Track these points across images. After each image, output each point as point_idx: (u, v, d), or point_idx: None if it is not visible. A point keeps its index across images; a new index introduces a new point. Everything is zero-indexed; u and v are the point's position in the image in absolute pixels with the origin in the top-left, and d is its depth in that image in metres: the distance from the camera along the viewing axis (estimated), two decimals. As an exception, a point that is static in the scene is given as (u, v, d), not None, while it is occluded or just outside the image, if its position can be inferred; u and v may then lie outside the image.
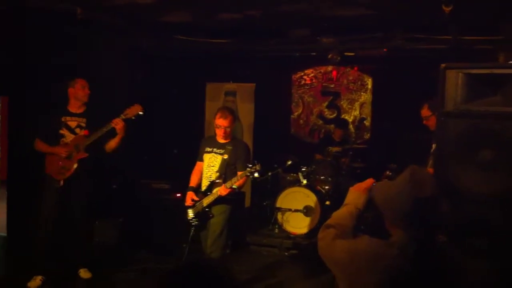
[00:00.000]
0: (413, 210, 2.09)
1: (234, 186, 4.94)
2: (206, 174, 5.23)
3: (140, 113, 5.41)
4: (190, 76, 8.79)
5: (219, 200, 5.05)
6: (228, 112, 5.17)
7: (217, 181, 5.09)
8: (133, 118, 5.41)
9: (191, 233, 5.16)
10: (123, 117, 5.38)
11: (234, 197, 5.20)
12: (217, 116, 5.15)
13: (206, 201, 5.08)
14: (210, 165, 5.22)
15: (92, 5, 6.03)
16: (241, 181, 4.98)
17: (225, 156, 5.12)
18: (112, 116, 5.39)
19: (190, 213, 5.15)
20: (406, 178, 2.17)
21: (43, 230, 5.39)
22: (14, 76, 6.19)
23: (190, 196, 5.19)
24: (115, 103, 6.09)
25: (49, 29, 6.02)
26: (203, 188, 5.20)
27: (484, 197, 2.74)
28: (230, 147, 5.14)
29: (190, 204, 5.16)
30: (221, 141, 5.22)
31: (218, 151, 5.20)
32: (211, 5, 6.13)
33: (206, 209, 5.09)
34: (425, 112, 5.20)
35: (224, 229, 5.12)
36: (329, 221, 2.39)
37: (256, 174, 4.91)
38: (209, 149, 5.27)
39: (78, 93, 5.49)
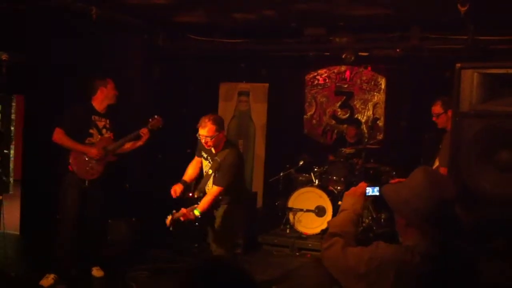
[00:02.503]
0: (436, 212, 2.06)
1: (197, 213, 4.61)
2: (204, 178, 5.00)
3: (160, 126, 5.63)
4: (204, 76, 8.79)
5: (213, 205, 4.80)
6: (207, 120, 4.62)
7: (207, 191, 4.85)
8: (155, 129, 5.61)
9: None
10: (150, 128, 5.54)
11: (232, 196, 4.88)
12: (198, 126, 4.68)
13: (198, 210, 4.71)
14: (205, 170, 4.99)
15: (108, 4, 6.05)
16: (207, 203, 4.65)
17: (210, 172, 4.82)
18: (128, 118, 5.42)
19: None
20: (422, 179, 2.12)
21: (67, 230, 5.36)
22: (29, 75, 6.24)
23: (177, 189, 4.91)
24: (131, 105, 6.12)
25: (64, 27, 6.04)
26: (196, 195, 4.92)
27: (501, 198, 2.71)
28: (218, 159, 4.75)
29: (175, 196, 4.89)
30: (213, 149, 4.82)
31: (210, 159, 4.89)
32: (226, 5, 6.13)
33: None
34: (437, 109, 5.11)
35: (227, 230, 4.95)
36: (332, 230, 2.34)
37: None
38: (204, 155, 4.97)
39: (109, 93, 5.48)
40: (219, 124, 4.69)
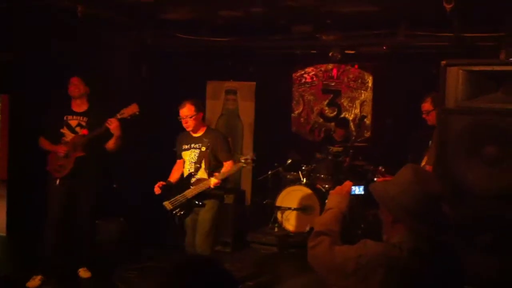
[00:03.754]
0: (422, 208, 2.07)
1: (222, 178, 4.93)
2: (188, 170, 5.16)
3: (136, 113, 5.39)
4: (191, 74, 8.76)
5: (206, 195, 4.99)
6: (185, 100, 5.06)
7: (196, 173, 5.06)
8: (128, 118, 5.39)
9: (176, 223, 5.13)
10: (119, 116, 5.37)
11: (221, 191, 5.14)
12: (178, 108, 5.08)
13: (190, 193, 5.00)
14: (191, 161, 5.16)
15: (95, 2, 6.01)
16: (231, 172, 5.00)
17: (203, 149, 5.05)
18: (112, 114, 5.37)
19: (169, 205, 5.09)
20: (409, 175, 2.14)
21: (49, 229, 5.37)
22: (14, 74, 6.18)
23: (159, 184, 5.10)
24: (117, 101, 6.07)
25: (50, 26, 6.00)
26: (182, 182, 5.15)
27: (488, 193, 2.73)
28: (206, 139, 5.06)
29: (158, 193, 5.08)
30: (195, 134, 5.15)
31: (195, 145, 5.13)
32: (213, 2, 6.11)
33: (194, 200, 5.00)
34: (427, 106, 5.09)
35: (213, 226, 5.08)
36: (318, 228, 2.34)
37: (253, 164, 4.95)
38: (186, 146, 5.21)
39: (71, 90, 5.47)
40: (197, 105, 5.06)
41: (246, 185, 8.81)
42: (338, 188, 2.51)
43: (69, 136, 5.44)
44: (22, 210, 6.46)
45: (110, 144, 5.49)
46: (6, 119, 7.57)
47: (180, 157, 5.29)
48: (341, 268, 2.12)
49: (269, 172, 7.77)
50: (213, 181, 4.91)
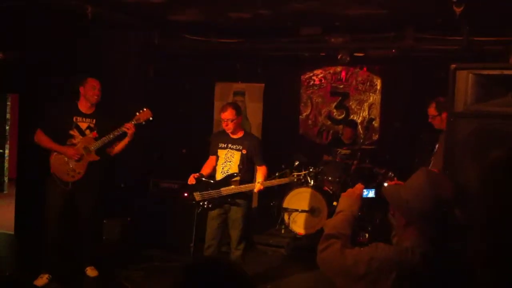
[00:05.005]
0: (435, 211, 2.07)
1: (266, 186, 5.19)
2: (223, 169, 5.37)
3: (150, 118, 5.47)
4: (200, 75, 8.78)
5: (239, 194, 5.26)
6: (227, 105, 5.39)
7: (235, 174, 5.27)
8: (143, 123, 5.46)
9: (198, 212, 5.31)
10: (135, 122, 5.41)
11: (250, 193, 5.47)
12: (220, 111, 5.39)
13: (227, 191, 5.23)
14: (227, 160, 5.37)
15: (104, 3, 6.03)
16: (279, 183, 5.38)
17: (244, 151, 5.31)
18: (119, 117, 5.38)
19: (198, 196, 5.27)
20: (422, 179, 2.14)
21: (51, 230, 5.37)
22: (24, 74, 6.21)
23: (193, 175, 5.31)
24: (125, 103, 6.10)
25: (60, 26, 6.02)
26: (217, 178, 5.36)
27: (496, 198, 2.72)
28: (246, 142, 5.34)
29: (192, 183, 5.30)
30: (234, 136, 5.38)
31: (234, 146, 5.36)
32: (222, 4, 6.12)
33: (228, 199, 5.25)
34: (432, 111, 5.19)
35: (246, 223, 5.42)
36: (329, 231, 2.34)
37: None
38: (223, 145, 5.41)
39: (87, 93, 5.38)
40: (237, 109, 5.34)
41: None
42: (349, 190, 2.50)
43: (77, 138, 5.36)
44: (31, 209, 6.49)
45: (119, 147, 5.51)
46: (16, 118, 7.60)
47: (215, 154, 5.46)
48: (351, 271, 2.11)
49: (277, 174, 7.76)
50: (258, 186, 5.18)
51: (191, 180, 5.32)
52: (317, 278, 5.74)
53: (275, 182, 5.25)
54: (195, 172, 5.37)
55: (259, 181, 5.21)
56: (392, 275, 2.01)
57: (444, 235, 2.08)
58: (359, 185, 2.50)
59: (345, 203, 2.46)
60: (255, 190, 5.20)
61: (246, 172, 5.31)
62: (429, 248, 2.05)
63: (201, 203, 5.28)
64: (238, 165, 5.29)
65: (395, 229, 2.24)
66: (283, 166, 7.75)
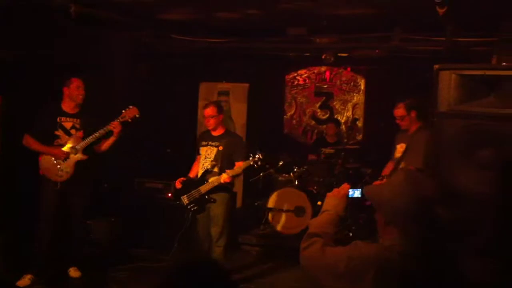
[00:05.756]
0: (411, 210, 2.07)
1: (233, 175, 5.24)
2: (203, 165, 5.47)
3: (137, 116, 5.45)
4: (184, 74, 8.76)
5: (218, 188, 5.32)
6: (210, 103, 5.62)
7: (212, 170, 5.36)
8: (129, 120, 5.44)
9: (189, 218, 5.40)
10: (121, 119, 5.39)
11: (231, 186, 5.55)
12: (203, 108, 5.59)
13: (204, 188, 5.31)
14: (206, 156, 5.49)
15: (90, 1, 5.98)
16: (241, 169, 5.32)
17: (220, 148, 5.41)
18: (104, 116, 5.35)
19: (186, 199, 5.37)
20: (402, 178, 2.15)
21: (43, 231, 5.35)
22: (7, 75, 6.14)
23: (180, 180, 5.46)
24: (112, 102, 6.06)
25: (45, 25, 5.96)
26: (198, 176, 5.44)
27: (481, 196, 2.75)
28: (224, 140, 5.45)
29: (179, 187, 5.43)
30: (215, 133, 5.52)
31: (213, 143, 5.48)
32: (210, 3, 6.11)
33: (206, 196, 5.32)
34: (400, 112, 5.33)
35: (226, 219, 5.43)
36: (312, 230, 2.35)
37: (259, 163, 5.25)
38: (204, 143, 5.56)
39: (72, 93, 5.38)
40: (219, 107, 5.54)
41: (238, 186, 8.78)
42: (335, 190, 2.51)
43: (63, 138, 5.37)
44: (13, 209, 6.43)
45: (105, 146, 5.49)
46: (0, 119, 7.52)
47: (198, 153, 5.62)
48: (332, 269, 2.12)
49: (261, 174, 7.77)
50: (224, 176, 5.21)
51: (178, 185, 5.44)
52: (301, 278, 5.75)
53: (236, 168, 5.26)
54: (180, 173, 5.45)
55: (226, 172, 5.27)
56: (370, 274, 2.01)
57: (424, 233, 2.08)
58: (345, 185, 2.51)
59: (330, 202, 2.47)
60: (221, 180, 5.21)
61: (225, 169, 5.31)
62: (409, 246, 2.05)
63: (188, 207, 5.37)
64: (212, 161, 5.38)
65: (378, 228, 2.25)
66: (267, 166, 7.76)
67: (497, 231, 2.74)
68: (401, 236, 2.09)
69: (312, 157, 7.93)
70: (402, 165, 5.13)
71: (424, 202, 2.08)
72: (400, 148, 5.48)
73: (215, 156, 5.40)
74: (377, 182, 4.75)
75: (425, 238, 2.08)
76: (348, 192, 2.49)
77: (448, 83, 2.98)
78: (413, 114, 5.29)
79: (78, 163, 5.33)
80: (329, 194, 2.52)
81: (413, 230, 2.07)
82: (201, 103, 9.12)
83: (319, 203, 7.18)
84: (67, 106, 5.44)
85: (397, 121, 5.38)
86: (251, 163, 5.23)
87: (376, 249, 2.10)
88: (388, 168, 5.73)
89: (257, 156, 5.23)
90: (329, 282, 2.15)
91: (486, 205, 2.74)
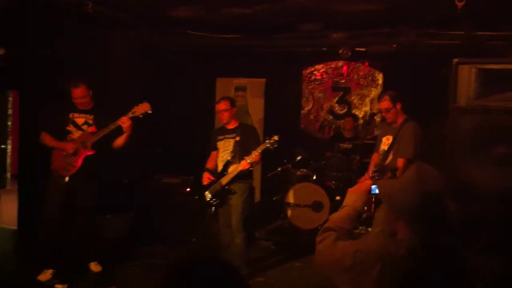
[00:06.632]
0: (419, 206, 2.06)
1: (251, 161, 5.33)
2: (222, 158, 5.62)
3: (149, 111, 5.39)
4: (201, 71, 8.78)
5: (238, 179, 5.46)
6: (221, 98, 5.80)
7: (232, 160, 5.50)
8: (140, 116, 5.40)
9: (210, 213, 5.54)
10: (131, 115, 5.37)
11: (250, 178, 5.73)
12: (215, 104, 5.79)
13: (225, 180, 5.46)
14: (224, 149, 5.63)
15: (102, 0, 6.02)
16: (258, 156, 5.37)
17: (237, 138, 5.57)
18: (120, 112, 5.38)
19: (208, 195, 5.51)
20: (411, 174, 2.14)
21: (48, 225, 5.40)
22: (23, 70, 6.21)
23: (207, 175, 5.60)
24: (124, 99, 6.09)
25: (58, 23, 6.02)
26: (219, 170, 5.58)
27: (498, 193, 2.72)
28: (240, 131, 5.62)
29: (207, 183, 5.55)
30: (230, 127, 5.68)
31: (229, 136, 5.64)
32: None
33: (226, 187, 5.47)
34: (386, 104, 5.34)
35: (245, 209, 5.56)
36: (327, 224, 2.36)
37: (275, 145, 5.31)
38: (221, 137, 5.72)
39: (76, 95, 5.40)
40: (231, 101, 5.71)
41: (256, 182, 8.79)
42: (356, 186, 2.51)
43: (75, 133, 5.44)
44: (33, 204, 6.51)
45: (119, 142, 5.49)
46: (17, 114, 7.60)
47: (215, 148, 5.74)
48: (339, 263, 2.13)
49: (278, 169, 7.78)
50: (243, 163, 5.34)
51: (206, 180, 5.58)
52: (314, 274, 5.76)
53: (253, 154, 5.30)
54: (197, 169, 5.59)
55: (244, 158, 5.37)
56: (376, 268, 2.01)
57: (431, 230, 2.07)
58: (367, 181, 2.50)
59: (350, 198, 2.47)
60: (240, 167, 5.34)
61: (242, 159, 5.39)
62: (415, 242, 2.04)
63: (210, 201, 5.50)
64: (231, 152, 5.54)
65: (375, 221, 2.25)
66: (285, 161, 7.77)
67: (510, 229, 2.72)
68: (407, 232, 2.09)
69: (329, 152, 7.92)
70: (390, 157, 5.15)
71: (432, 198, 2.06)
72: (386, 141, 5.48)
73: (233, 147, 5.55)
74: (362, 180, 4.78)
75: (432, 235, 2.07)
76: (370, 188, 2.48)
77: (467, 77, 2.95)
78: (398, 106, 5.32)
79: (86, 157, 5.37)
80: (349, 189, 2.52)
81: (419, 226, 2.07)
82: (218, 99, 9.13)
83: (337, 198, 7.18)
84: (80, 102, 5.49)
85: (383, 114, 5.41)
86: (268, 145, 5.30)
87: (383, 244, 2.10)
88: (373, 161, 5.74)
89: (273, 138, 5.29)
90: (337, 276, 2.16)
91: (500, 202, 2.72)
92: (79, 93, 5.40)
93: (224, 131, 5.72)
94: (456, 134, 2.98)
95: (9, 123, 9.86)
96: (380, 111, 5.60)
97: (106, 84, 5.63)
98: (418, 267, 2.00)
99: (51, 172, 5.44)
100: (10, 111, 9.86)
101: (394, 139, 5.19)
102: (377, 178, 4.90)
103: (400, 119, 5.37)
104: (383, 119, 5.68)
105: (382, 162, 5.13)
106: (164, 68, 8.07)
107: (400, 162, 5.04)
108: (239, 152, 5.49)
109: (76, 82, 5.41)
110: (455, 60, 3.04)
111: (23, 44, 5.92)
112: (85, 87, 5.42)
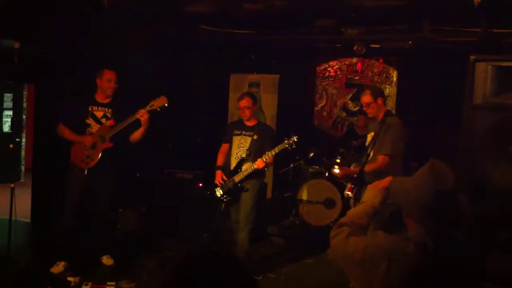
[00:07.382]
0: (432, 203, 2.04)
1: (266, 161, 5.33)
2: (236, 154, 5.60)
3: (166, 105, 5.44)
4: (214, 66, 8.78)
5: (250, 176, 5.45)
6: (245, 94, 5.78)
7: (247, 158, 5.49)
8: (158, 109, 5.43)
9: (221, 210, 5.55)
10: (149, 108, 5.40)
11: (263, 175, 5.75)
12: (238, 100, 5.75)
13: (238, 177, 5.46)
14: (240, 146, 5.61)
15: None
16: (274, 153, 5.35)
17: (255, 137, 5.56)
18: (137, 106, 5.40)
19: (219, 191, 5.53)
20: (424, 171, 2.12)
21: (67, 217, 5.43)
22: (40, 65, 6.25)
23: (220, 174, 5.58)
24: (141, 93, 6.11)
25: (76, 17, 6.04)
26: (232, 166, 5.56)
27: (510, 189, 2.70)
28: (258, 129, 5.62)
29: (220, 183, 5.53)
30: (249, 124, 5.67)
31: (247, 133, 5.63)
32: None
33: (239, 185, 5.47)
34: (367, 98, 5.22)
35: (254, 206, 5.53)
36: (343, 219, 2.36)
37: (294, 146, 5.30)
38: (237, 132, 5.69)
39: (103, 85, 5.48)
40: (254, 98, 5.74)
41: (268, 178, 8.80)
42: (376, 182, 2.50)
43: (94, 127, 5.47)
44: (46, 197, 6.56)
45: (137, 135, 5.50)
46: (32, 108, 7.66)
47: (228, 141, 5.72)
48: (351, 258, 2.14)
49: (291, 165, 7.77)
50: (258, 161, 5.33)
51: (219, 179, 5.57)
52: (328, 270, 5.75)
53: (269, 153, 5.29)
54: (211, 164, 5.57)
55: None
56: (384, 264, 2.01)
57: (442, 227, 2.05)
58: (387, 178, 2.48)
59: (368, 194, 2.47)
60: (255, 166, 5.33)
61: (257, 157, 5.39)
62: (425, 239, 2.03)
63: (221, 198, 5.50)
64: (246, 150, 5.53)
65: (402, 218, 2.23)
66: (297, 157, 7.76)
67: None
68: (418, 229, 2.07)
69: (342, 149, 7.89)
70: (371, 154, 5.10)
71: (443, 196, 2.04)
72: (369, 137, 5.43)
73: (250, 145, 5.54)
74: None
75: (442, 232, 2.05)
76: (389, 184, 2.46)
77: (484, 74, 2.93)
78: (379, 100, 5.24)
79: (104, 151, 5.40)
80: (369, 185, 2.52)
81: (429, 223, 2.05)
82: (231, 94, 9.15)
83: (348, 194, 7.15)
84: (100, 96, 5.54)
85: (365, 109, 5.35)
86: (286, 145, 5.28)
87: (393, 240, 2.09)
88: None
89: (291, 139, 5.26)
90: (349, 271, 2.17)
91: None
92: (113, 76, 5.49)
93: (242, 127, 5.70)
94: (472, 130, 2.96)
95: (24, 116, 9.96)
96: (362, 105, 5.53)
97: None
98: (426, 263, 1.99)
99: (70, 165, 5.47)
100: (25, 105, 9.96)
101: (375, 135, 5.12)
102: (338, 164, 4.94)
103: (381, 114, 5.30)
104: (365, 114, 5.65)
105: (365, 160, 5.04)
106: (179, 63, 8.07)
107: (380, 158, 4.97)
108: (254, 151, 5.49)
109: (102, 70, 5.50)
110: (472, 57, 3.01)
111: (39, 38, 5.96)
112: (114, 73, 5.53)
